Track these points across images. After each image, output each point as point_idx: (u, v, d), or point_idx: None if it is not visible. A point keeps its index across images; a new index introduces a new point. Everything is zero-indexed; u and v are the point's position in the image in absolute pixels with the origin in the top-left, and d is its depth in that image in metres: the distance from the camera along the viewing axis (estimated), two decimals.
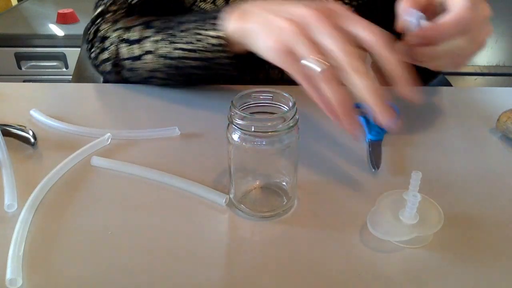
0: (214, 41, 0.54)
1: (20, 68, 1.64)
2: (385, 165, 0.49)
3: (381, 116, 0.40)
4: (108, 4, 0.67)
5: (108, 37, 0.63)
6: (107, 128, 0.54)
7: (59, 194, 0.44)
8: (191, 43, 0.56)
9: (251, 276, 0.36)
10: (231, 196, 0.43)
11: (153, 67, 0.60)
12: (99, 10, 0.67)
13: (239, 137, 0.39)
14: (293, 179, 0.43)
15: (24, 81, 1.64)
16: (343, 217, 0.42)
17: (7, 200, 0.42)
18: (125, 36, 0.61)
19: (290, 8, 0.45)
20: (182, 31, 0.57)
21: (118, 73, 0.64)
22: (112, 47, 0.62)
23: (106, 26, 0.64)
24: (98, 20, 0.66)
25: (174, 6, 0.74)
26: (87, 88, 0.67)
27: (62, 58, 1.61)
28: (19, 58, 1.62)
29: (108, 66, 0.64)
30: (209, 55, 0.55)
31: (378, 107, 0.40)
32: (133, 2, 0.66)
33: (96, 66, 0.66)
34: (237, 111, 0.38)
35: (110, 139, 0.52)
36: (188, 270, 0.36)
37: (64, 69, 1.64)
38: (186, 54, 0.57)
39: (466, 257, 0.38)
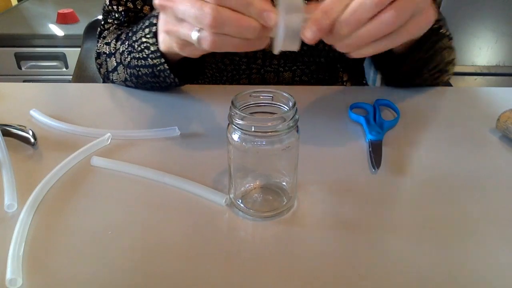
0: (152, 48, 0.55)
1: (20, 68, 1.64)
2: (385, 165, 0.49)
3: (265, 20, 0.41)
4: (102, 23, 0.71)
5: (101, 53, 0.67)
6: (107, 128, 0.54)
7: (59, 194, 0.44)
8: (140, 51, 0.57)
9: (251, 276, 0.36)
10: (231, 196, 0.43)
11: (123, 77, 0.63)
12: (98, 30, 0.71)
13: (239, 137, 0.39)
14: (293, 179, 0.43)
15: (24, 81, 1.64)
16: (343, 217, 0.42)
17: (7, 200, 0.42)
18: (106, 50, 0.65)
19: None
20: (134, 41, 0.58)
21: (113, 82, 0.67)
22: (103, 63, 0.67)
23: (100, 43, 0.68)
24: (100, 40, 0.70)
25: None
26: (87, 88, 0.67)
27: (62, 58, 1.61)
28: (19, 58, 1.62)
29: (105, 79, 0.68)
30: (151, 62, 0.57)
31: (260, 17, 0.41)
32: (120, 17, 0.69)
33: (103, 80, 0.70)
34: (237, 111, 0.38)
35: (110, 139, 0.52)
36: (188, 270, 0.36)
37: (64, 69, 1.64)
38: (139, 62, 0.58)
39: (467, 257, 0.38)
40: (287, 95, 0.40)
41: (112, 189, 0.45)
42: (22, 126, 0.52)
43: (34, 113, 0.57)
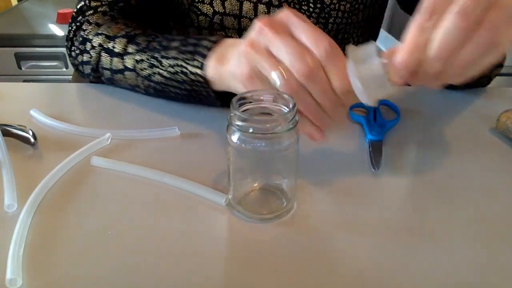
0: (195, 78, 0.53)
1: (20, 68, 1.64)
2: (385, 165, 0.49)
3: (332, 121, 0.42)
4: None
5: (90, 40, 0.61)
6: (107, 128, 0.54)
7: (59, 194, 0.44)
8: (173, 73, 0.54)
9: (250, 277, 0.36)
10: (230, 197, 0.43)
11: (132, 83, 0.60)
12: (79, 5, 0.65)
13: (238, 139, 0.39)
14: (292, 181, 0.43)
15: (24, 81, 1.64)
16: (343, 218, 0.42)
17: (7, 200, 0.42)
18: (108, 45, 0.59)
19: (249, 33, 0.44)
20: (164, 57, 0.55)
21: (98, 77, 0.64)
22: (93, 53, 0.60)
23: (89, 27, 0.62)
24: (80, 18, 0.64)
25: (171, 6, 0.74)
26: (87, 88, 0.67)
27: (62, 58, 1.61)
28: (19, 58, 1.62)
29: (87, 69, 0.63)
30: (188, 87, 0.55)
31: (331, 111, 0.41)
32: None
33: (75, 65, 0.65)
34: (236, 112, 0.38)
35: (110, 139, 0.52)
36: (188, 270, 0.36)
37: (64, 69, 1.63)
38: (167, 81, 0.56)
39: (468, 258, 0.38)
40: (287, 97, 0.40)
41: (112, 189, 0.45)
42: (22, 126, 0.52)
43: (34, 113, 0.57)
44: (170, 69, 0.54)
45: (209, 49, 0.51)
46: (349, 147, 0.52)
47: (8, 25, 1.67)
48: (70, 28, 0.65)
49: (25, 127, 0.52)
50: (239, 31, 0.69)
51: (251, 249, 0.38)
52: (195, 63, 0.52)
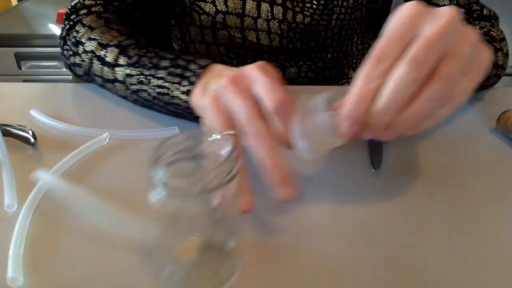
0: (180, 102, 0.52)
1: (20, 68, 1.64)
2: (385, 165, 0.49)
3: (277, 189, 0.37)
4: None
5: (83, 43, 0.60)
6: (107, 128, 0.54)
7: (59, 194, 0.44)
8: (159, 93, 0.53)
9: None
10: (164, 273, 0.35)
11: (122, 94, 0.59)
12: (73, 2, 0.64)
13: (161, 195, 0.31)
14: (235, 239, 0.35)
15: (24, 81, 1.64)
16: (343, 218, 0.42)
17: (7, 200, 0.42)
18: (100, 53, 0.58)
19: (217, 84, 0.43)
20: (153, 75, 0.54)
21: (90, 81, 0.63)
22: (85, 57, 0.60)
23: (82, 30, 0.61)
24: (73, 16, 0.64)
25: (170, 6, 0.74)
26: (87, 88, 0.67)
27: (62, 58, 1.61)
28: (19, 58, 1.62)
29: (79, 71, 0.63)
30: (173, 109, 0.54)
31: (273, 177, 0.37)
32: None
33: (68, 65, 0.65)
34: (157, 164, 0.31)
35: (108, 139, 0.52)
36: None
37: (64, 69, 1.63)
38: (153, 100, 0.55)
39: (468, 258, 0.38)
40: (225, 139, 0.33)
41: (112, 188, 0.45)
42: (22, 126, 0.52)
43: (34, 113, 0.57)
44: (157, 89, 0.53)
45: (196, 75, 0.50)
46: (349, 147, 0.52)
47: (8, 25, 1.67)
48: (63, 26, 0.64)
49: (25, 127, 0.52)
50: (242, 30, 0.69)
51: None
52: (182, 88, 0.51)
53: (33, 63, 1.63)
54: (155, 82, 0.53)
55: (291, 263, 0.37)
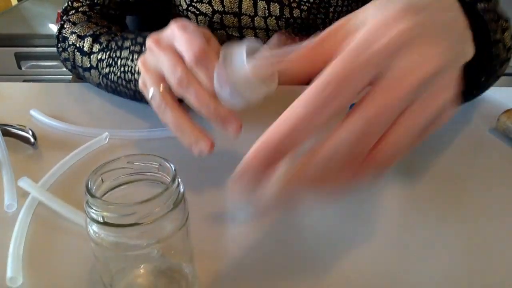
0: (138, 78, 0.51)
1: (20, 68, 1.64)
2: None
3: (221, 125, 0.40)
4: None
5: (67, 38, 0.64)
6: (107, 128, 0.54)
7: (58, 193, 0.44)
8: (122, 71, 0.55)
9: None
10: None
11: (96, 81, 0.61)
12: (64, 5, 0.68)
13: (97, 227, 0.28)
14: (190, 265, 0.33)
15: (24, 81, 1.64)
16: (342, 218, 0.42)
17: (7, 200, 0.42)
18: (79, 44, 0.62)
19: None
20: (118, 57, 0.56)
21: (77, 74, 0.65)
22: (70, 51, 0.63)
23: (67, 26, 0.65)
24: (64, 17, 0.67)
25: (168, 7, 0.74)
26: (87, 88, 0.67)
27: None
28: (19, 58, 1.62)
29: (68, 66, 0.65)
30: (133, 87, 0.55)
31: (212, 116, 0.40)
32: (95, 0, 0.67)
33: (61, 62, 0.68)
34: (88, 196, 0.28)
35: (107, 138, 0.52)
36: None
37: (64, 69, 1.63)
38: (117, 80, 0.57)
39: (468, 258, 0.38)
40: (166, 163, 0.31)
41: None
42: (22, 126, 0.52)
43: (34, 113, 0.57)
44: (122, 68, 0.56)
45: (142, 48, 0.52)
46: None
47: (8, 25, 1.67)
48: (57, 27, 0.68)
49: (25, 127, 0.52)
50: (240, 29, 0.69)
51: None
52: (135, 60, 0.53)
53: (33, 63, 1.63)
54: (119, 62, 0.56)
55: (290, 262, 0.37)
